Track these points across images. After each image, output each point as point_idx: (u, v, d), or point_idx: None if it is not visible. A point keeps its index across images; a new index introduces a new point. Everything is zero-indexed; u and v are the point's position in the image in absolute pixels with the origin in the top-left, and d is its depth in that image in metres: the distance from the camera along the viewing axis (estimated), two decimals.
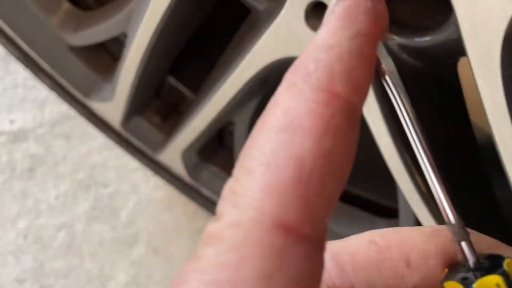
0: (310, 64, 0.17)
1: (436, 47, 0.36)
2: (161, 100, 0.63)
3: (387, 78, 0.18)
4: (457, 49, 0.36)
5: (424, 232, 0.20)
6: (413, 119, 0.19)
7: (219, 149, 0.64)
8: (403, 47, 0.37)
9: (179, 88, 0.62)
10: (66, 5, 0.57)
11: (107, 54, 0.61)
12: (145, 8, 0.47)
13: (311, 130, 0.16)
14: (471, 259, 0.19)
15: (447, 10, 0.34)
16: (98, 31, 0.56)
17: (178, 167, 0.64)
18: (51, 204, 0.75)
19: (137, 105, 0.62)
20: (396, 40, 0.36)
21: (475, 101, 0.42)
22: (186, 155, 0.60)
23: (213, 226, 0.16)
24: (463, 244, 0.19)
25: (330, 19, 0.17)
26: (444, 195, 0.19)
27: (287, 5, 0.39)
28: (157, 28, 0.48)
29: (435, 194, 0.19)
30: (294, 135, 0.16)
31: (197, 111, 0.54)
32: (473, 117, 0.42)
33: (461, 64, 0.41)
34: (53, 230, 0.73)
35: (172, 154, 0.62)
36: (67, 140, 0.79)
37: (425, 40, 0.35)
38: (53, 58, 0.61)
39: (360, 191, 0.58)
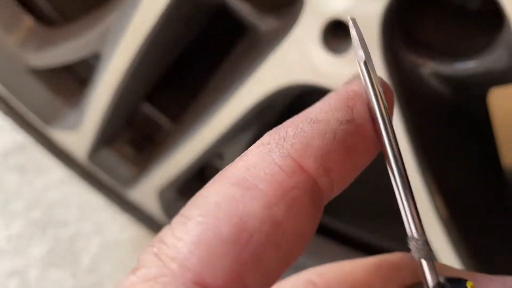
0: (290, 130, 0.16)
1: (476, 74, 0.31)
2: (135, 129, 0.56)
3: (361, 65, 0.17)
4: (500, 76, 0.31)
5: (366, 264, 0.19)
6: (384, 113, 0.17)
7: (200, 183, 0.57)
8: (435, 73, 0.32)
9: (155, 117, 0.56)
10: (28, 21, 0.50)
11: (72, 76, 0.54)
12: (125, 26, 0.41)
13: (265, 194, 0.15)
14: (431, 281, 0.17)
15: (493, 30, 0.30)
16: (65, 51, 0.49)
17: (153, 205, 0.56)
18: (1, 247, 0.66)
19: (108, 135, 0.55)
20: (431, 65, 0.32)
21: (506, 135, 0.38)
22: (164, 193, 0.53)
23: (129, 279, 0.14)
24: (424, 263, 0.17)
25: (330, 96, 0.17)
26: (409, 205, 0.17)
27: (300, 24, 0.34)
28: (140, 49, 0.41)
29: (399, 202, 0.17)
30: (246, 193, 0.15)
31: (179, 145, 0.47)
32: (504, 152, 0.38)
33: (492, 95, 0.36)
34: (4, 277, 0.64)
35: (147, 191, 0.55)
36: (21, 173, 0.70)
37: (467, 66, 0.31)
38: (10, 80, 0.53)
39: (361, 233, 0.53)
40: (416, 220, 0.17)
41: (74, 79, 0.55)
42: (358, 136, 0.16)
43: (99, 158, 0.56)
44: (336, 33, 0.34)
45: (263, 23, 0.38)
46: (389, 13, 0.30)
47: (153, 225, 0.59)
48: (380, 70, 0.32)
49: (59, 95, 0.54)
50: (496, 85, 0.33)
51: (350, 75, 0.35)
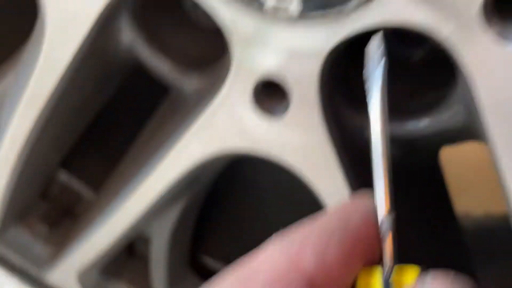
0: (292, 231, 0.19)
1: (429, 134, 0.28)
2: (49, 201, 0.49)
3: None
4: (456, 134, 0.27)
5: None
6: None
7: (128, 260, 0.50)
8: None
9: (73, 186, 0.49)
10: None
11: None
12: (22, 89, 0.35)
13: (263, 277, 0.18)
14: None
15: (448, 84, 0.26)
16: None
17: None
18: None
19: (16, 210, 0.47)
20: None
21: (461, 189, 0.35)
22: (85, 276, 0.46)
23: None
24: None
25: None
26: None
27: (227, 85, 0.29)
28: (41, 115, 0.35)
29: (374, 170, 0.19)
30: (247, 281, 0.18)
31: (99, 221, 0.41)
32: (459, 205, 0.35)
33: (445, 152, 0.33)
34: None
35: (65, 274, 0.47)
36: None
37: (419, 125, 0.27)
38: None
39: None
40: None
41: None
42: (353, 237, 0.18)
43: (8, 238, 0.48)
44: (270, 94, 0.29)
45: (186, 83, 0.33)
46: (328, 72, 0.26)
47: None
48: (320, 133, 0.28)
49: None
50: (451, 143, 0.29)
51: (288, 140, 0.30)
